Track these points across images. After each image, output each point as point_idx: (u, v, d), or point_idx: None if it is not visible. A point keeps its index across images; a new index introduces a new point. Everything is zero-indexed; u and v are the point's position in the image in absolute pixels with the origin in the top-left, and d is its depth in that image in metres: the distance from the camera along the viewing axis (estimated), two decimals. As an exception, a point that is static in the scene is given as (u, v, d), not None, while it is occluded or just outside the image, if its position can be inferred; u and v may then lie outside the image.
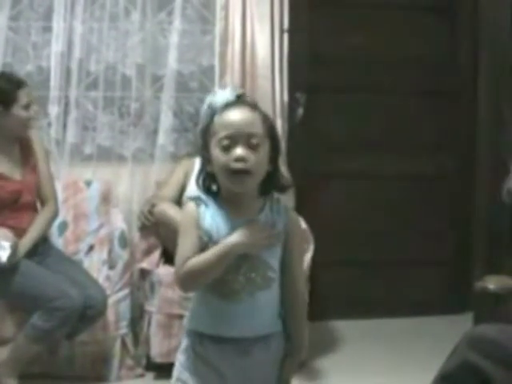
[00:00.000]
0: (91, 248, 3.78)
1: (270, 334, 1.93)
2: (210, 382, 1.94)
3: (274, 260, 1.92)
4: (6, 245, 3.21)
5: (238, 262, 1.90)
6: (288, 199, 3.66)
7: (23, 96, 3.41)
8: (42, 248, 3.48)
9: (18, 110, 3.40)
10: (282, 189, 1.96)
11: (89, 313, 3.30)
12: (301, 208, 3.99)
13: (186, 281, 1.91)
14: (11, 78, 3.47)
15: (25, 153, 3.52)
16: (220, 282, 1.90)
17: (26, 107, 3.42)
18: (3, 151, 3.45)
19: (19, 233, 3.35)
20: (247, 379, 1.93)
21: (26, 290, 3.23)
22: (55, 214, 3.60)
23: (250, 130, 1.86)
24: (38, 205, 3.59)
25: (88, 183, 4.01)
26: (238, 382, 1.93)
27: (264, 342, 1.92)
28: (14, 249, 3.22)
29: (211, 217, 1.92)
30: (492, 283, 2.07)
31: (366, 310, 4.53)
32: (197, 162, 4.00)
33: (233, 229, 1.89)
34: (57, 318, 3.16)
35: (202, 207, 1.93)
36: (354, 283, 4.55)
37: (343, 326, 4.39)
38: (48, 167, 3.62)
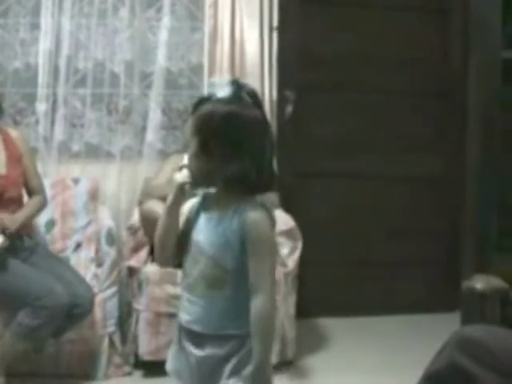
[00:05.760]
0: (78, 245, 3.77)
1: (225, 335, 1.92)
2: (183, 370, 2.00)
3: (227, 261, 1.91)
4: None
5: (197, 257, 1.95)
6: (272, 197, 3.66)
7: None
8: (28, 243, 3.46)
9: None
10: (253, 189, 1.94)
11: (75, 311, 3.29)
12: (290, 206, 4.01)
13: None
14: None
15: (8, 148, 3.49)
16: (184, 273, 1.99)
17: None
18: None
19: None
20: (198, 372, 1.96)
21: (12, 287, 3.21)
22: (44, 204, 3.60)
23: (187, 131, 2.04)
24: (25, 199, 3.57)
25: (76, 181, 4.00)
26: (192, 373, 1.97)
27: (218, 342, 1.92)
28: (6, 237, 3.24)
29: (192, 206, 2.02)
30: (479, 283, 2.08)
31: (355, 308, 4.53)
32: (185, 159, 4.00)
33: (199, 222, 1.98)
34: (43, 315, 3.15)
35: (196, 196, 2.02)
36: (343, 281, 4.55)
37: (332, 324, 4.40)
38: (33, 161, 3.61)
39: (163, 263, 2.11)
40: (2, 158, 3.46)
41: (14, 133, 3.58)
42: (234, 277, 1.91)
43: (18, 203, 3.48)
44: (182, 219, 2.01)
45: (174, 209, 1.98)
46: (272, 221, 1.95)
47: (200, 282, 1.94)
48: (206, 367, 1.94)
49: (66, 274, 3.39)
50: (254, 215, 1.89)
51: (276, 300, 2.00)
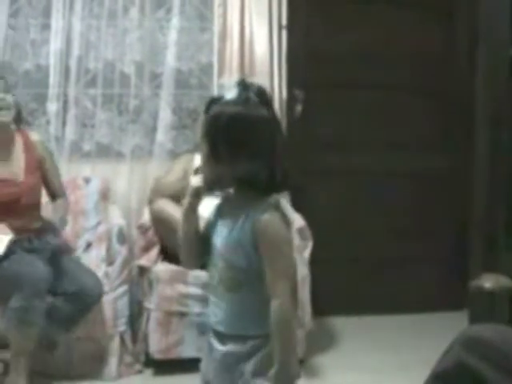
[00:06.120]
0: (89, 245, 3.78)
1: (246, 335, 1.94)
2: (204, 365, 2.06)
3: (240, 263, 1.92)
4: (5, 238, 3.26)
5: (215, 261, 1.98)
6: (282, 196, 3.67)
7: None
8: (38, 244, 3.44)
9: None
10: (266, 190, 1.94)
11: (84, 300, 3.32)
12: (299, 205, 4.02)
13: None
14: None
15: (28, 153, 3.50)
16: (208, 276, 2.02)
17: None
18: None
19: (21, 232, 3.35)
20: (220, 367, 1.99)
21: (5, 274, 3.24)
22: (67, 206, 3.66)
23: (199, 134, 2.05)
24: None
25: (87, 180, 4.03)
26: (215, 369, 2.01)
27: (241, 340, 1.94)
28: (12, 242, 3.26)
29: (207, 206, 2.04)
30: (487, 282, 2.08)
31: (365, 306, 4.53)
32: (196, 159, 4.01)
33: (217, 225, 2.00)
34: (27, 293, 3.14)
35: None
36: (353, 280, 4.56)
37: (342, 323, 4.40)
38: (54, 164, 3.63)
39: (187, 265, 2.13)
40: (21, 164, 3.47)
41: (34, 136, 3.60)
42: (249, 279, 1.92)
43: (34, 210, 3.49)
44: (201, 221, 2.03)
45: (190, 212, 2.00)
46: (286, 221, 1.95)
47: (219, 285, 1.97)
48: (228, 363, 1.96)
49: (73, 268, 3.42)
50: (264, 217, 1.89)
51: (297, 300, 1.99)
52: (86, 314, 3.38)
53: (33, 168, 3.50)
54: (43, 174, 3.55)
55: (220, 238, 1.97)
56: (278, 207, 1.94)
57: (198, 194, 1.98)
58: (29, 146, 3.51)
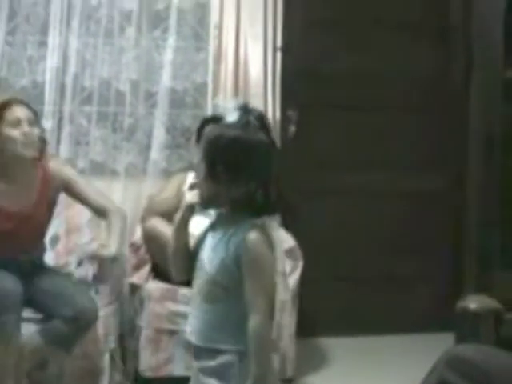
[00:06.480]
0: (81, 262, 3.78)
1: (216, 348, 1.99)
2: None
3: (223, 279, 1.98)
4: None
5: (198, 274, 2.04)
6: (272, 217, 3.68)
7: (11, 113, 3.24)
8: (29, 269, 3.38)
9: (6, 129, 3.25)
10: (260, 211, 1.99)
11: (82, 322, 3.26)
12: (292, 225, 4.04)
13: None
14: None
15: (42, 189, 3.35)
16: (192, 286, 2.08)
17: (15, 125, 3.24)
18: (11, 180, 3.32)
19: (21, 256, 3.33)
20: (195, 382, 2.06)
21: None
22: (123, 216, 3.49)
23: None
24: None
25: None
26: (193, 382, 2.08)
27: (211, 354, 2.00)
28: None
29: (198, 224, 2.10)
30: (472, 303, 2.09)
31: (355, 327, 4.54)
32: (189, 177, 4.03)
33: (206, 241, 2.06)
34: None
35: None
36: (343, 300, 4.56)
37: (332, 343, 4.41)
38: (83, 183, 3.45)
39: (175, 278, 2.18)
40: (33, 199, 3.35)
41: (52, 164, 3.42)
42: (227, 295, 1.98)
43: (34, 242, 3.43)
44: (192, 239, 2.08)
45: (182, 227, 2.06)
46: (270, 242, 2.00)
47: (197, 295, 2.04)
48: (201, 379, 2.02)
49: (68, 289, 3.39)
50: (248, 236, 1.95)
51: (274, 319, 2.03)
52: (83, 335, 3.33)
53: (43, 203, 3.38)
54: (75, 197, 3.43)
55: (206, 253, 2.04)
56: (263, 228, 1.99)
57: (191, 210, 2.04)
58: (46, 180, 3.38)
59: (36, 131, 3.29)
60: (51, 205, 3.45)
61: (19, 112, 3.27)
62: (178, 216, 2.06)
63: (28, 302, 3.28)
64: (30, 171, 3.35)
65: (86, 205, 3.45)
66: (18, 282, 3.24)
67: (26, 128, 3.25)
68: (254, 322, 1.93)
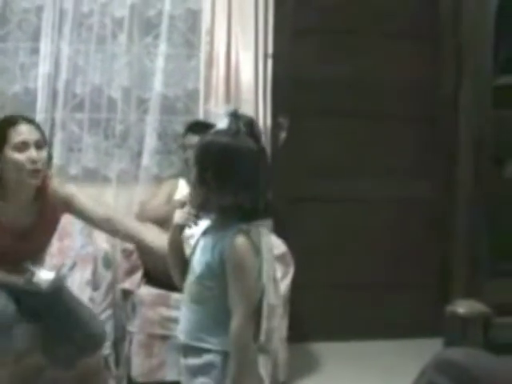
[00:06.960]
0: (74, 264, 3.75)
1: (201, 347, 2.06)
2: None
3: (209, 281, 2.04)
4: (50, 274, 3.09)
5: (189, 276, 2.11)
6: (264, 223, 3.70)
7: (16, 135, 2.94)
8: (33, 301, 3.16)
9: (9, 152, 2.94)
10: (248, 217, 2.04)
11: (87, 346, 3.19)
12: (283, 231, 4.05)
13: None
14: (7, 116, 3.11)
15: (42, 212, 3.11)
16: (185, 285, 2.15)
17: (21, 149, 2.93)
18: (10, 200, 3.04)
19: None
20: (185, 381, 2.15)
21: None
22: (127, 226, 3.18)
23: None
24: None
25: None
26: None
27: (197, 352, 2.06)
28: (57, 279, 3.11)
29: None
30: (461, 307, 2.12)
31: (346, 332, 4.56)
32: (180, 184, 4.05)
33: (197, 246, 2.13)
34: None
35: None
36: (334, 305, 4.58)
37: (323, 348, 4.42)
38: (83, 197, 3.13)
39: (179, 286, 2.21)
40: (31, 218, 3.12)
41: (51, 185, 3.11)
42: (213, 297, 2.04)
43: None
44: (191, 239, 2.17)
45: (173, 246, 2.15)
46: (254, 247, 2.03)
47: (187, 296, 2.11)
48: (188, 377, 2.11)
49: (77, 310, 3.23)
50: (233, 241, 2.00)
51: (264, 324, 2.08)
52: (86, 357, 3.24)
53: (43, 228, 3.18)
54: (78, 214, 3.16)
55: (196, 256, 2.10)
56: (248, 233, 2.02)
57: (180, 230, 2.12)
58: (46, 200, 3.12)
59: (43, 154, 3.00)
60: (52, 224, 3.24)
61: (27, 134, 2.97)
62: (168, 236, 2.15)
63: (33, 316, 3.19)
64: (31, 196, 3.09)
65: (87, 220, 3.20)
66: (11, 300, 3.08)
67: (33, 153, 2.94)
68: (234, 325, 1.99)
